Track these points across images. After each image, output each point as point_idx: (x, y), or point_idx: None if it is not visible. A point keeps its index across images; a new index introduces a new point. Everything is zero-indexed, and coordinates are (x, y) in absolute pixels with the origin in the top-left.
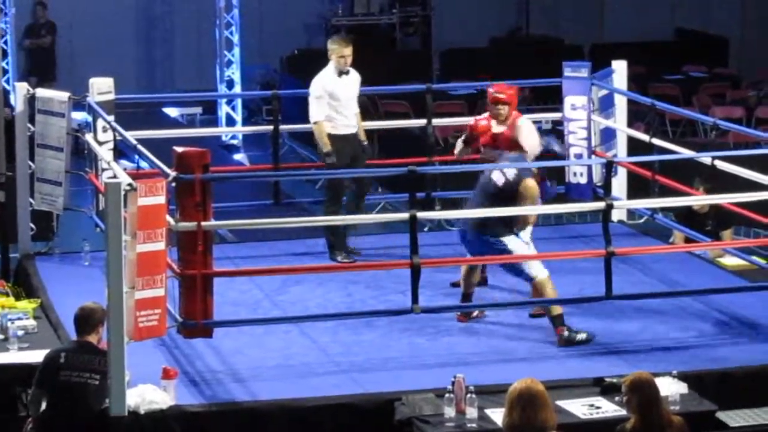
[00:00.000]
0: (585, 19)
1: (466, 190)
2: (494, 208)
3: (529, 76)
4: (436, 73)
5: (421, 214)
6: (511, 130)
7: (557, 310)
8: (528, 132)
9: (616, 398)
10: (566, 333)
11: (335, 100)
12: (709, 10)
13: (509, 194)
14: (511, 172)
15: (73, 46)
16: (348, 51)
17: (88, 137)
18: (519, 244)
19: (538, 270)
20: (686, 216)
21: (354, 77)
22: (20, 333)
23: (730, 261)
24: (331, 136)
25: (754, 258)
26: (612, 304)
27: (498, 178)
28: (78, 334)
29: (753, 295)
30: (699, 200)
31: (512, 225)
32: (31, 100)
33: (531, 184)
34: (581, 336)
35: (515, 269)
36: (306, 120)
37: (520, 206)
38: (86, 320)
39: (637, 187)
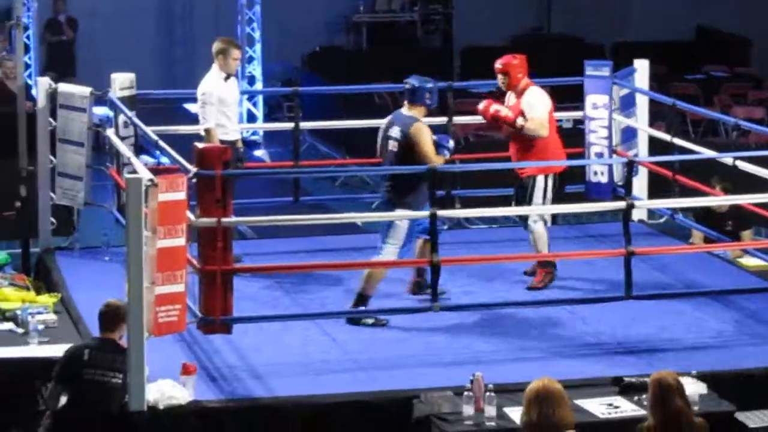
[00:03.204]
0: (607, 17)
1: (486, 188)
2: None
3: (550, 74)
4: (456, 71)
5: (441, 213)
6: (519, 99)
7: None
8: (531, 101)
9: (635, 398)
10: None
11: (225, 105)
12: (732, 10)
13: (406, 148)
14: (396, 132)
15: (94, 41)
16: (239, 54)
17: (110, 132)
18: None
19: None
20: (704, 216)
21: (235, 81)
22: (40, 327)
23: (751, 261)
24: (223, 143)
25: None
26: (631, 304)
27: (392, 145)
28: (101, 330)
29: None
30: (720, 200)
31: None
32: (53, 94)
33: (416, 127)
34: (369, 321)
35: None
36: (327, 117)
37: (420, 151)
38: (111, 317)
39: (658, 187)
